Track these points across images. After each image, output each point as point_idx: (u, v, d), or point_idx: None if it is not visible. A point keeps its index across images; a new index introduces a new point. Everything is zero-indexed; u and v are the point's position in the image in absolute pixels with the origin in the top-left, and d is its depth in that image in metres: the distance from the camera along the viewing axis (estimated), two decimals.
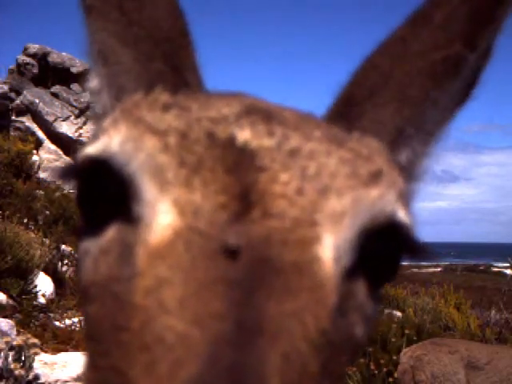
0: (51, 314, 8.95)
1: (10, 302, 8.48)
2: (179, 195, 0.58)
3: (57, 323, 8.66)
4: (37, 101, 17.81)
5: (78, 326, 8.29)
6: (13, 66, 18.87)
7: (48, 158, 17.29)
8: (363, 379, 7.55)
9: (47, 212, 12.80)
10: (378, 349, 8.02)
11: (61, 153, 17.50)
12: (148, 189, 0.60)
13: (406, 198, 0.68)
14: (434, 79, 0.80)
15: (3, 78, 18.52)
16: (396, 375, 6.75)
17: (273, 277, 0.54)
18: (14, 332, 7.23)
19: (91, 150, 0.64)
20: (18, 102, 17.95)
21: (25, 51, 19.03)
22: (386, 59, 0.82)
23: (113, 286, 0.59)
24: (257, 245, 0.56)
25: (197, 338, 0.50)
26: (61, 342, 7.94)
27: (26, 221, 11.40)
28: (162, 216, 0.58)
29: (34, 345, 6.25)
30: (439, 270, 33.62)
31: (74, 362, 6.81)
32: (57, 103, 18.17)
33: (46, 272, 9.86)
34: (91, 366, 0.62)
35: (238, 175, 0.59)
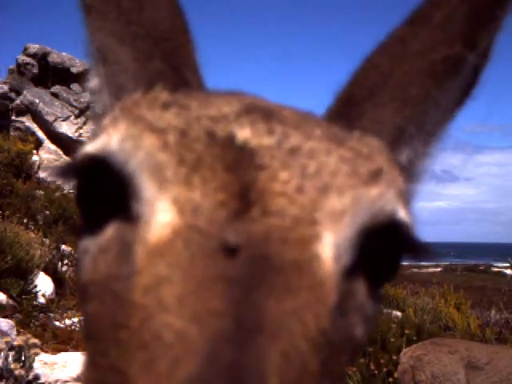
0: (51, 314, 8.96)
1: (10, 302, 8.48)
2: (178, 193, 0.58)
3: (57, 323, 8.66)
4: (37, 101, 17.81)
5: (77, 325, 8.29)
6: (13, 66, 18.88)
7: (48, 157, 17.29)
8: (363, 379, 7.55)
9: (47, 212, 12.80)
10: (377, 349, 8.02)
11: (61, 153, 17.50)
12: (147, 187, 0.60)
13: (406, 198, 0.68)
14: (434, 79, 0.80)
15: (3, 78, 18.53)
16: (396, 375, 6.75)
17: (272, 275, 0.54)
18: (14, 332, 7.23)
19: (90, 148, 0.64)
20: (17, 102, 17.95)
21: (25, 51, 19.03)
22: (385, 59, 0.82)
23: (112, 284, 0.59)
24: (256, 243, 0.56)
25: (196, 336, 0.50)
26: (61, 342, 7.94)
27: (25, 221, 11.40)
28: (161, 214, 0.58)
29: (34, 345, 6.25)
30: (439, 269, 33.63)
31: (73, 362, 6.82)
32: (57, 103, 18.17)
33: (46, 272, 9.86)
34: (90, 365, 0.62)
35: (237, 173, 0.59)
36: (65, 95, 18.50)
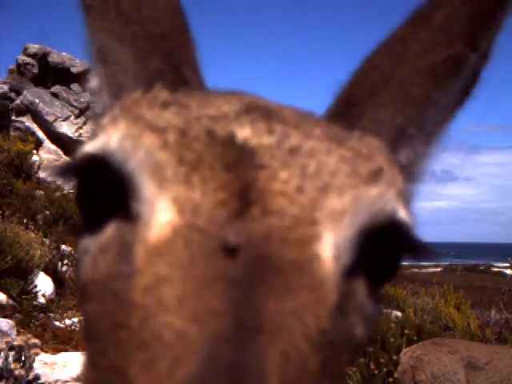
0: (51, 314, 8.96)
1: (10, 301, 8.49)
2: (178, 193, 0.58)
3: (57, 323, 8.67)
4: (37, 101, 17.81)
5: (77, 325, 8.29)
6: (13, 66, 18.88)
7: (48, 157, 17.30)
8: (363, 379, 7.55)
9: (47, 212, 12.81)
10: (377, 349, 8.02)
11: (61, 153, 17.51)
12: (147, 186, 0.59)
13: (406, 198, 0.68)
14: (435, 79, 0.80)
15: (3, 78, 18.53)
16: (396, 375, 6.75)
17: (272, 275, 0.54)
18: (14, 332, 7.23)
19: (90, 147, 0.64)
20: (17, 102, 17.95)
21: (25, 51, 19.03)
22: (386, 59, 0.82)
23: (111, 283, 0.59)
24: (256, 243, 0.55)
25: (195, 335, 0.50)
26: (61, 341, 7.94)
27: (25, 221, 11.41)
28: (160, 214, 0.58)
29: (34, 345, 6.25)
30: (439, 269, 33.63)
31: (73, 362, 6.82)
32: (57, 103, 18.18)
33: (46, 272, 9.87)
34: (90, 365, 0.62)
35: (237, 173, 0.59)
36: (65, 95, 18.50)
